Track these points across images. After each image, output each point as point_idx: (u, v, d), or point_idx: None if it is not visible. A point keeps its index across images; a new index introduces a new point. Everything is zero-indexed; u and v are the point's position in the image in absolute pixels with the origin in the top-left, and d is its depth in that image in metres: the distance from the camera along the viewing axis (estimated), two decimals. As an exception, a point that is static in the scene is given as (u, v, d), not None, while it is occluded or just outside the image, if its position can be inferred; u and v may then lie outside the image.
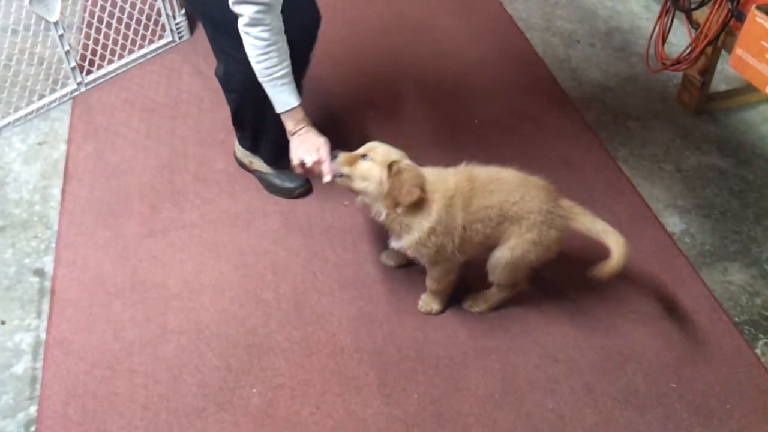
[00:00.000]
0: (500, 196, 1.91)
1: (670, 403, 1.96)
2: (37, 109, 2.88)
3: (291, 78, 2.04)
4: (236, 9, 1.91)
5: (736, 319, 2.18)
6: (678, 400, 1.97)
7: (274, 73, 2.00)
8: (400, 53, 3.19)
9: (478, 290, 2.16)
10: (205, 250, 2.34)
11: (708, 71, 2.79)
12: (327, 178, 1.99)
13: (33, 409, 1.95)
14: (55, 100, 2.91)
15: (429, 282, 2.11)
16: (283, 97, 2.05)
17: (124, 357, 2.05)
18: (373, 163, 1.90)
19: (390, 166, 1.88)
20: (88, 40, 3.04)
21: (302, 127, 2.08)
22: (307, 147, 2.05)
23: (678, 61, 2.71)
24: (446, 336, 2.11)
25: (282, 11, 1.97)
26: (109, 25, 3.01)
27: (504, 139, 2.78)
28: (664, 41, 2.80)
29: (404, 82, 3.02)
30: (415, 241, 1.93)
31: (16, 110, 2.84)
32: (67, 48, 2.84)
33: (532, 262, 2.00)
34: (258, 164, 2.52)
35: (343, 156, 1.95)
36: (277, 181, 2.49)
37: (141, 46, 3.14)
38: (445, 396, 1.96)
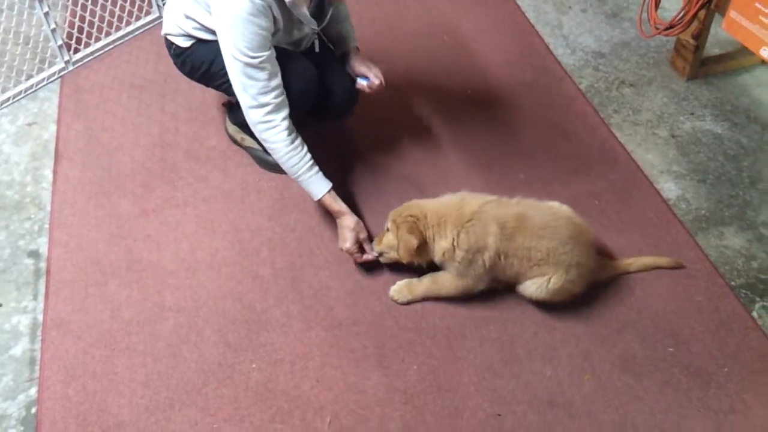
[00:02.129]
0: (549, 244, 1.95)
1: (668, 368, 1.97)
2: (26, 90, 2.84)
3: (316, 166, 2.15)
4: (250, 114, 2.07)
5: (733, 283, 2.19)
6: (675, 364, 1.98)
7: (300, 168, 2.13)
8: (390, 23, 3.15)
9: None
10: (200, 228, 2.33)
11: (701, 35, 2.77)
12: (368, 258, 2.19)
13: (33, 391, 1.95)
14: (43, 80, 2.87)
15: (433, 284, 2.10)
16: (314, 188, 2.17)
17: (122, 336, 2.05)
18: (390, 232, 2.06)
19: (396, 226, 2.03)
20: (75, 17, 2.99)
21: (342, 215, 2.18)
22: (350, 235, 2.16)
23: (671, 26, 2.69)
24: (444, 307, 2.11)
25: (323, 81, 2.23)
26: (95, 2, 2.97)
27: (497, 107, 2.76)
28: (657, 6, 2.77)
29: (394, 53, 2.99)
30: (441, 254, 2.02)
31: (4, 91, 2.80)
32: (53, 26, 2.79)
33: (557, 299, 2.05)
34: (250, 140, 2.50)
35: (375, 239, 2.14)
36: (270, 158, 2.45)
37: (128, 23, 3.10)
38: (443, 366, 1.97)
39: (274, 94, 2.04)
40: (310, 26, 2.16)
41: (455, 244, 1.95)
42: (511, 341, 2.03)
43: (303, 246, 2.28)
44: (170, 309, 2.11)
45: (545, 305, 2.08)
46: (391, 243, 2.06)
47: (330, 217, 2.33)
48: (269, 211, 2.38)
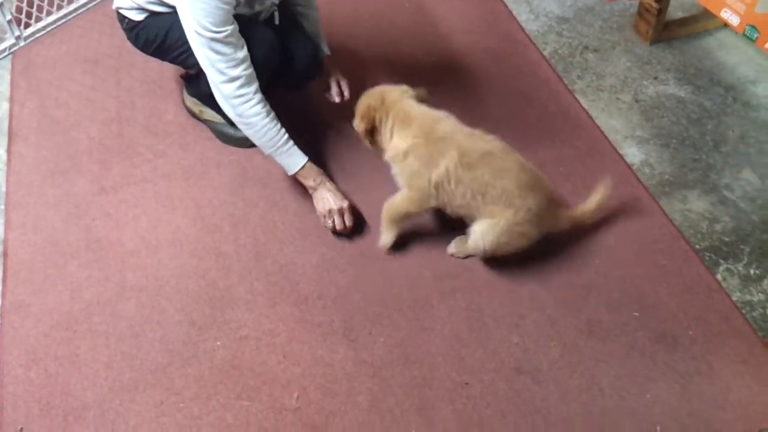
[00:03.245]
0: (505, 184, 1.92)
1: (633, 331, 1.99)
2: (-26, 67, 2.74)
3: (291, 139, 2.11)
4: (222, 89, 2.01)
5: (697, 246, 2.20)
6: (641, 328, 1.99)
7: (278, 142, 2.09)
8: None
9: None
10: (160, 205, 2.28)
11: (664, -2, 2.76)
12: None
13: (-7, 376, 1.91)
14: (-8, 57, 2.77)
15: (388, 204, 2.09)
16: (291, 160, 2.14)
17: (83, 317, 2.01)
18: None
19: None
20: (23, -10, 2.88)
21: (321, 183, 2.16)
22: (328, 203, 2.14)
23: (634, -11, 2.67)
24: (410, 278, 2.10)
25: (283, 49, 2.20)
26: (44, -26, 2.86)
27: (460, 75, 2.73)
28: (619, -31, 2.75)
29: (357, 20, 2.94)
30: (391, 153, 2.02)
31: (-49, 69, 2.71)
32: (0, 1, 2.69)
33: (501, 246, 2.00)
34: (209, 113, 2.44)
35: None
36: (230, 131, 2.42)
37: (80, -5, 3.00)
38: (410, 337, 1.96)
39: (243, 66, 1.99)
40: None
41: (410, 150, 1.96)
42: (479, 310, 2.03)
43: (266, 221, 2.24)
44: (132, 288, 2.07)
45: (506, 264, 2.09)
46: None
47: (295, 190, 2.31)
48: (230, 186, 2.34)
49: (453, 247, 2.15)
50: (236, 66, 1.98)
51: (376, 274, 2.11)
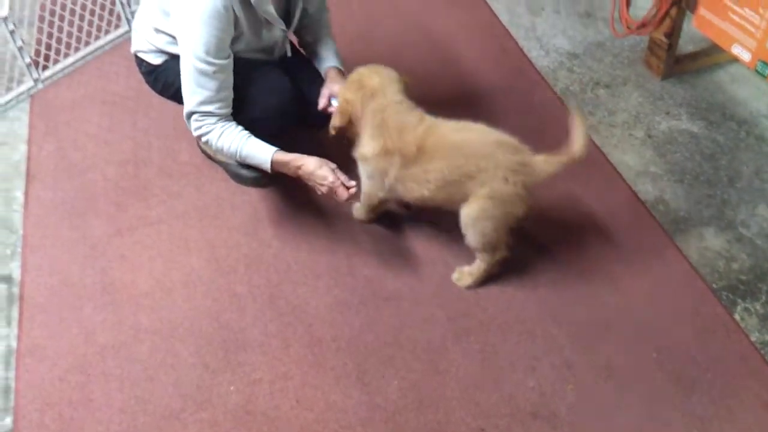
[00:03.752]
0: (443, 163, 1.96)
1: (651, 373, 1.96)
2: (-6, 110, 2.79)
3: (252, 140, 2.08)
4: (187, 113, 2.07)
5: (714, 285, 2.18)
6: (659, 370, 1.97)
7: (239, 142, 2.06)
8: (360, 29, 3.13)
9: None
10: (174, 246, 2.30)
11: (674, 33, 2.77)
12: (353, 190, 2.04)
13: (8, 420, 1.91)
14: (12, 100, 2.82)
15: (361, 195, 2.19)
16: (262, 154, 2.08)
17: (97, 361, 2.02)
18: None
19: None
20: (42, 34, 2.94)
21: (299, 166, 2.07)
22: (325, 168, 2.04)
23: (643, 24, 2.69)
24: (424, 319, 2.09)
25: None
26: (62, 18, 2.91)
27: (472, 110, 2.72)
28: (628, 5, 2.76)
29: (368, 59, 2.95)
30: (359, 157, 2.10)
31: (-29, 112, 2.75)
32: (20, 44, 2.74)
33: (497, 221, 1.99)
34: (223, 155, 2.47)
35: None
36: (244, 172, 2.43)
37: (97, 38, 3.05)
38: (424, 381, 1.95)
39: (218, 105, 2.02)
40: (279, 26, 2.12)
41: (372, 159, 2.03)
42: (494, 352, 2.01)
43: (279, 261, 2.25)
44: (146, 331, 2.08)
45: (521, 303, 2.06)
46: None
47: (308, 230, 2.31)
48: (244, 226, 2.35)
49: (456, 275, 2.17)
50: (212, 102, 2.02)
51: (390, 315, 2.11)
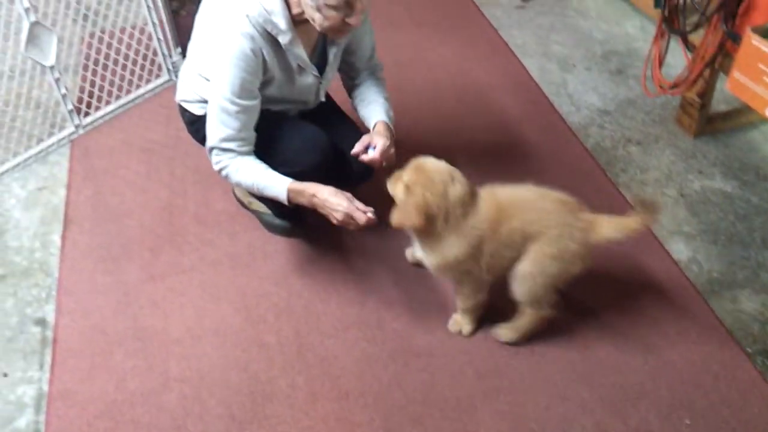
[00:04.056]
0: (521, 218, 1.92)
1: (684, 439, 1.92)
2: (36, 154, 2.87)
3: (269, 172, 2.07)
4: (208, 148, 2.09)
5: (749, 350, 2.14)
6: (692, 436, 1.93)
7: (255, 185, 2.07)
8: (393, 82, 3.17)
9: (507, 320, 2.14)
10: (206, 294, 2.32)
11: (707, 93, 2.78)
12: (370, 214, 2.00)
13: (36, 465, 1.93)
14: (53, 144, 2.90)
15: (458, 300, 2.11)
16: (278, 183, 2.06)
17: (126, 408, 2.03)
18: (402, 186, 1.94)
19: (407, 187, 1.92)
20: (85, 82, 3.04)
21: (313, 195, 2.04)
22: (340, 197, 2.02)
23: (675, 85, 2.70)
24: (453, 376, 2.07)
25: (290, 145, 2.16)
26: (105, 67, 3.01)
27: (503, 167, 2.76)
28: (660, 64, 2.78)
29: (399, 112, 3.00)
30: (436, 265, 1.97)
31: (15, 155, 2.83)
32: (63, 91, 2.83)
33: (554, 278, 1.97)
34: (257, 204, 2.50)
35: (393, 175, 2.00)
36: (277, 221, 2.47)
37: (138, 86, 3.14)
38: (453, 440, 1.93)
39: (238, 143, 2.05)
40: (311, 72, 2.15)
41: (457, 257, 1.93)
42: (523, 414, 1.98)
43: (309, 312, 2.26)
44: (175, 379, 2.09)
45: (552, 363, 2.03)
46: (397, 195, 1.96)
47: (337, 281, 2.33)
48: (275, 276, 2.37)
49: (500, 331, 2.14)
50: (232, 140, 2.04)
51: (418, 370, 2.09)
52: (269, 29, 1.95)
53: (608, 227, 1.95)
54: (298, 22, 1.99)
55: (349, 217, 1.99)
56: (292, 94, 2.19)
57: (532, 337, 2.14)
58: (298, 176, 2.08)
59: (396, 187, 1.97)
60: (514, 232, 1.91)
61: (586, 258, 1.96)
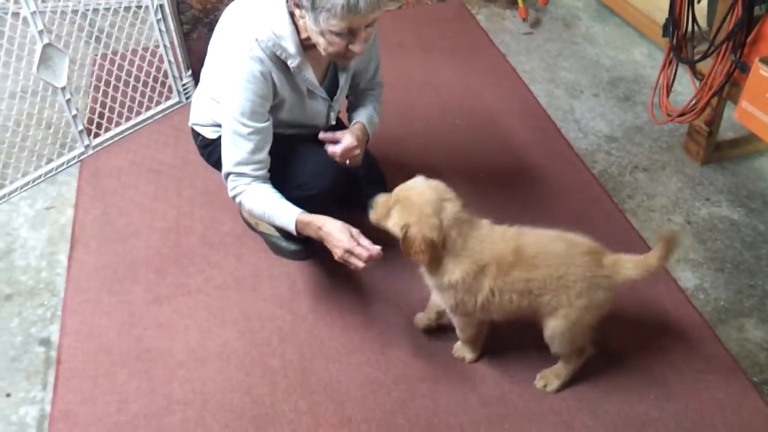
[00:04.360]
0: (545, 271, 1.87)
1: (690, 471, 1.90)
2: (45, 174, 2.89)
3: (281, 202, 2.07)
4: (224, 173, 2.11)
5: (755, 379, 2.12)
6: (698, 467, 1.91)
7: (264, 214, 2.08)
8: (402, 107, 3.20)
9: (546, 366, 2.11)
10: (211, 316, 2.32)
11: (714, 121, 2.78)
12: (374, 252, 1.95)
13: (37, 487, 1.92)
14: (62, 164, 2.93)
15: (456, 330, 2.11)
16: (287, 213, 2.05)
17: (128, 430, 2.02)
18: (394, 221, 1.89)
19: (402, 229, 1.85)
20: (95, 103, 3.07)
21: (320, 228, 2.01)
22: (344, 231, 1.97)
23: (683, 113, 2.70)
24: (457, 403, 2.06)
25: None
26: (116, 88, 3.04)
27: (511, 192, 2.76)
28: (668, 93, 2.79)
29: (407, 136, 3.02)
30: (434, 286, 1.96)
31: (24, 175, 2.86)
32: (74, 112, 2.86)
33: (587, 326, 1.96)
34: (264, 226, 2.51)
35: (375, 207, 1.94)
36: (284, 243, 2.47)
37: (148, 108, 3.17)
38: (456, 468, 1.91)
39: (253, 167, 2.06)
40: (320, 95, 2.17)
41: (458, 282, 1.88)
42: (527, 441, 1.97)
43: (313, 336, 2.25)
44: (178, 402, 2.08)
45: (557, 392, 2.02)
46: (393, 229, 1.90)
47: (343, 305, 2.32)
48: (281, 299, 2.37)
49: (540, 382, 2.10)
50: (247, 164, 2.05)
51: (422, 396, 2.08)
52: (278, 53, 1.97)
53: (630, 267, 1.92)
54: (307, 46, 2.01)
55: (348, 253, 1.94)
56: (303, 118, 2.21)
57: (527, 366, 2.14)
58: (311, 200, 2.09)
59: (385, 220, 1.92)
60: (531, 282, 1.87)
61: (613, 298, 1.94)
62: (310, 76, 2.08)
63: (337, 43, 1.90)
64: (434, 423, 2.01)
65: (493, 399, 2.07)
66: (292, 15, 1.97)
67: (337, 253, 1.98)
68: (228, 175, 2.10)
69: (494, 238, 1.90)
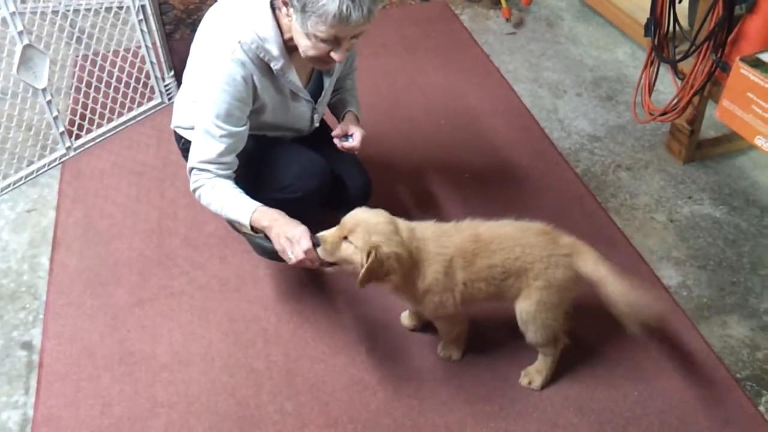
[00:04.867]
0: (502, 255, 1.90)
1: (674, 467, 1.91)
2: (26, 176, 2.86)
3: (237, 187, 2.04)
4: (189, 166, 2.06)
5: (738, 375, 2.14)
6: (682, 463, 1.92)
7: (221, 208, 2.03)
8: (386, 107, 3.20)
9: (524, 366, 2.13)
10: (195, 318, 2.30)
11: (696, 120, 2.80)
12: (316, 264, 1.93)
13: (19, 492, 1.90)
14: (44, 166, 2.90)
15: (440, 332, 2.12)
16: (243, 208, 2.01)
17: (112, 434, 2.01)
18: (354, 248, 1.84)
19: (369, 253, 1.82)
20: (77, 104, 3.04)
21: (276, 219, 1.97)
22: (287, 241, 1.93)
23: (665, 112, 2.72)
24: (442, 402, 2.06)
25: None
26: (97, 89, 3.02)
27: (494, 192, 2.77)
28: (650, 92, 2.81)
29: (391, 136, 3.02)
30: (410, 298, 1.97)
31: (4, 177, 2.82)
32: (55, 113, 2.83)
33: (556, 308, 1.96)
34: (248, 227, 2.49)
35: (324, 242, 1.88)
36: (268, 244, 2.42)
37: (130, 109, 3.14)
38: (442, 467, 1.91)
39: (218, 166, 2.03)
40: (304, 97, 2.16)
41: (429, 288, 1.91)
42: (512, 439, 1.97)
43: (298, 337, 2.24)
44: (162, 405, 2.07)
45: (542, 390, 2.03)
46: (350, 259, 1.86)
47: (327, 306, 2.32)
48: (265, 300, 2.36)
49: (524, 380, 2.11)
50: (211, 163, 2.02)
51: (408, 396, 2.08)
52: (261, 55, 1.96)
53: (587, 259, 1.94)
54: (292, 48, 2.00)
55: (289, 242, 1.91)
56: (287, 120, 2.20)
57: (513, 364, 2.14)
58: (296, 202, 2.09)
59: (339, 251, 1.87)
60: (493, 268, 1.90)
61: (576, 278, 1.95)
62: (294, 78, 2.07)
63: (319, 48, 1.89)
64: (420, 423, 2.01)
65: (478, 397, 2.07)
66: (275, 13, 1.96)
67: (281, 243, 1.93)
68: (191, 169, 2.07)
69: (449, 232, 1.94)
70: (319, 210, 2.27)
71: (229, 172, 2.07)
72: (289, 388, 2.10)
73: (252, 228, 2.03)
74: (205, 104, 1.99)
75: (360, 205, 2.31)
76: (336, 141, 2.25)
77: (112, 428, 2.01)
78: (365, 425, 2.00)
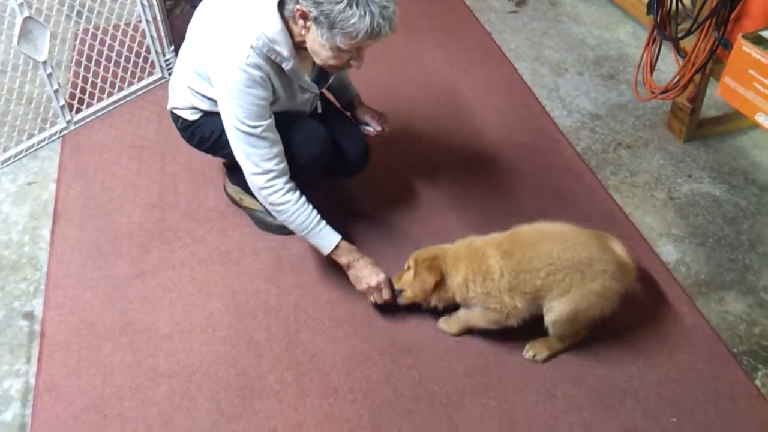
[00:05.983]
0: (548, 246, 1.94)
1: (671, 438, 1.93)
2: (27, 149, 2.86)
3: (323, 219, 2.13)
4: (253, 180, 2.08)
5: (735, 350, 2.16)
6: (678, 435, 1.94)
7: (308, 225, 2.11)
8: (387, 85, 3.20)
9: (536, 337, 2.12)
10: (195, 290, 2.31)
11: (697, 98, 2.80)
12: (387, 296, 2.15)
13: (22, 459, 1.91)
14: (44, 140, 2.89)
15: (479, 326, 2.12)
16: (325, 241, 2.14)
17: (114, 402, 2.02)
18: (410, 270, 2.07)
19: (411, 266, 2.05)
20: (77, 78, 3.03)
21: (357, 259, 2.15)
22: (365, 280, 2.14)
23: (666, 90, 2.72)
24: (442, 373, 2.08)
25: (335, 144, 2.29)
26: (98, 63, 3.01)
27: (495, 170, 2.77)
28: (652, 70, 2.80)
29: (391, 114, 3.01)
30: (462, 297, 2.04)
31: (5, 150, 2.82)
32: (56, 87, 2.83)
33: (595, 316, 2.00)
34: (249, 201, 2.50)
35: (403, 285, 2.11)
36: (269, 218, 2.46)
37: (130, 84, 3.14)
38: (441, 436, 1.93)
39: (276, 160, 2.05)
40: (312, 91, 2.19)
41: (468, 278, 1.98)
42: (512, 410, 1.99)
43: (299, 309, 2.25)
44: (163, 374, 2.08)
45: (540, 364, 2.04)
46: (410, 281, 2.07)
47: (328, 279, 2.33)
48: (266, 273, 2.37)
49: (530, 352, 2.12)
50: (270, 160, 2.04)
51: (408, 367, 2.10)
52: (273, 57, 1.96)
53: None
54: (298, 46, 2.00)
55: (377, 288, 2.13)
56: (290, 107, 2.22)
57: (512, 336, 2.13)
58: (301, 168, 2.12)
59: (403, 280, 2.11)
60: (536, 259, 1.93)
61: (617, 288, 2.00)
62: (305, 76, 2.10)
63: (341, 58, 1.92)
64: (419, 393, 2.02)
65: (477, 369, 2.09)
66: (283, 15, 1.94)
67: (370, 283, 2.13)
68: (254, 175, 2.06)
69: (476, 241, 2.08)
70: (320, 178, 2.33)
71: (285, 164, 2.08)
72: (289, 358, 2.12)
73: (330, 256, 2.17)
74: (233, 112, 1.98)
75: (358, 171, 2.36)
76: (363, 128, 2.40)
77: (114, 397, 2.03)
78: (365, 395, 2.02)
